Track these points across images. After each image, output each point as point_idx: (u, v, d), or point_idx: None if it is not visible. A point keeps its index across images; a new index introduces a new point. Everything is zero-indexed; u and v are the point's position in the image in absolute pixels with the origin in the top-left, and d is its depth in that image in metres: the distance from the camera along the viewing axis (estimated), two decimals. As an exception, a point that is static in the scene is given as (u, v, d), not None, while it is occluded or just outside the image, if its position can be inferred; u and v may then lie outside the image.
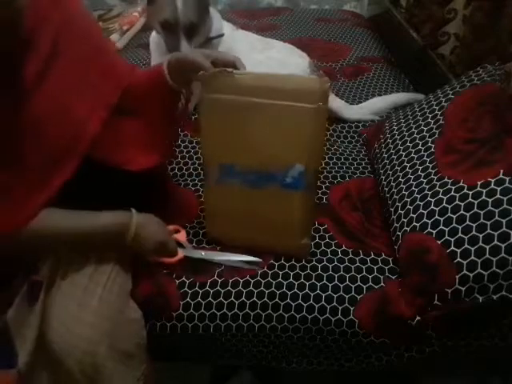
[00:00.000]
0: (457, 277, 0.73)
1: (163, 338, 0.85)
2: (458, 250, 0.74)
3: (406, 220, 0.85)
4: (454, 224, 0.76)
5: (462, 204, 0.77)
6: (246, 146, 0.78)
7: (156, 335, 0.83)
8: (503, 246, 0.70)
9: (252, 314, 0.82)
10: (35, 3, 0.65)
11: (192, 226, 0.96)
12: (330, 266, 0.86)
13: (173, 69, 0.76)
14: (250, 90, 0.74)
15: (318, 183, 1.04)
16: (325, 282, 0.84)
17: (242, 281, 0.85)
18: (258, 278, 0.85)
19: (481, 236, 0.73)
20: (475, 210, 0.75)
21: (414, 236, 0.82)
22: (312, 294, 0.82)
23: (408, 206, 0.86)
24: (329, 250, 0.89)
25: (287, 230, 0.84)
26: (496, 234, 0.71)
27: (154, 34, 1.26)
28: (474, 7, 1.18)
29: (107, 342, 0.71)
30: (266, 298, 0.83)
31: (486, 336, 0.81)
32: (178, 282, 0.86)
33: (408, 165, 0.92)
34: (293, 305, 0.82)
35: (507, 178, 0.74)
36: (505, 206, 0.72)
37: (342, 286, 0.83)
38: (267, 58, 1.28)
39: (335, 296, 0.82)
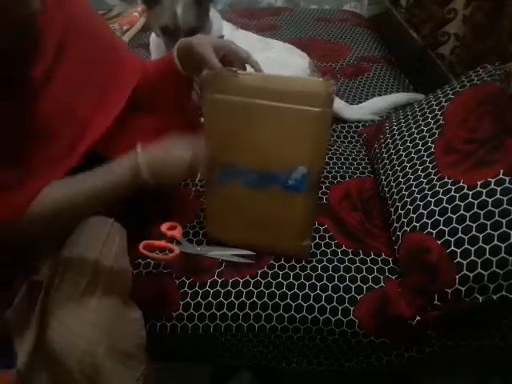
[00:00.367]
0: (457, 277, 0.73)
1: (163, 337, 0.85)
2: (458, 250, 0.74)
3: (406, 220, 0.85)
4: (454, 224, 0.76)
5: (462, 204, 0.77)
6: (249, 147, 0.78)
7: (156, 335, 0.83)
8: (503, 246, 0.70)
9: (252, 314, 0.82)
10: (42, 5, 0.66)
11: (192, 225, 0.96)
12: (330, 266, 0.86)
13: (183, 55, 0.76)
14: (254, 92, 0.74)
15: (318, 183, 1.05)
16: (325, 282, 0.84)
17: (241, 281, 0.85)
18: (258, 278, 0.85)
19: (481, 236, 0.73)
20: (475, 209, 0.75)
21: (414, 236, 0.82)
22: (312, 294, 0.82)
23: (408, 206, 0.86)
24: (329, 250, 0.89)
25: (288, 231, 0.84)
26: (496, 234, 0.71)
27: (153, 34, 1.26)
28: (474, 7, 1.18)
29: (107, 342, 0.71)
30: (265, 298, 0.83)
31: (486, 336, 0.81)
32: (177, 281, 0.86)
33: (408, 165, 0.92)
34: (293, 305, 0.82)
35: (507, 178, 0.74)
36: (505, 205, 0.72)
37: (341, 285, 0.83)
38: (267, 58, 1.28)
39: (335, 296, 0.82)
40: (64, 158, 0.73)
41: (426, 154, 0.90)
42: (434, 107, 0.97)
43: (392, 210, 0.91)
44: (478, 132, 0.85)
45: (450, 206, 0.78)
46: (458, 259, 0.73)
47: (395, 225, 0.88)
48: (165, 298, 0.84)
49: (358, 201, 1.01)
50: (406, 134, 0.99)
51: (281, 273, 0.85)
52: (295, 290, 0.83)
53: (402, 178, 0.92)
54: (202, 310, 0.83)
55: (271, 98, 0.73)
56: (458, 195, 0.78)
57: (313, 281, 0.84)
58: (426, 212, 0.82)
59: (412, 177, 0.89)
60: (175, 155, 0.72)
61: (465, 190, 0.78)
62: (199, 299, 0.83)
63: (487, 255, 0.71)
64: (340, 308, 0.81)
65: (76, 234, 0.78)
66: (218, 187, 0.84)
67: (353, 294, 0.82)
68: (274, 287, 0.83)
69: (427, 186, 0.85)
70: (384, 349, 0.83)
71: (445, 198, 0.80)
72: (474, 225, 0.74)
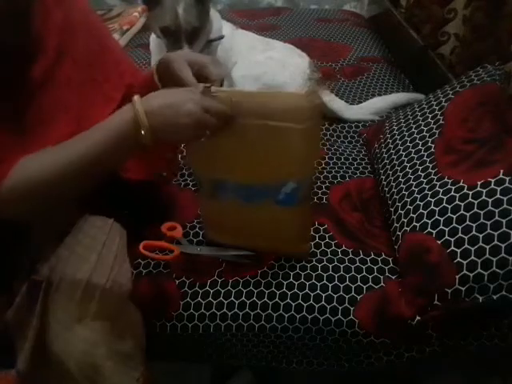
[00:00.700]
0: (457, 277, 0.73)
1: (163, 337, 0.85)
2: (458, 250, 0.74)
3: (406, 220, 0.85)
4: (454, 224, 0.76)
5: (462, 204, 0.77)
6: (236, 164, 0.75)
7: (156, 335, 0.83)
8: (503, 246, 0.70)
9: (252, 313, 0.82)
10: (40, 2, 0.66)
11: (192, 225, 0.96)
12: (330, 266, 0.86)
13: (162, 71, 0.76)
14: (237, 110, 0.69)
15: (318, 183, 1.05)
16: (325, 282, 0.84)
17: (242, 281, 0.85)
18: (258, 277, 0.85)
19: (481, 236, 0.72)
20: (475, 209, 0.75)
21: (414, 236, 0.82)
22: (312, 294, 0.82)
23: (408, 206, 0.86)
24: (329, 250, 0.89)
25: (285, 239, 0.85)
26: (496, 234, 0.71)
27: (154, 34, 1.26)
28: (474, 7, 1.18)
29: (107, 343, 0.71)
30: (266, 298, 0.83)
31: (486, 336, 0.81)
32: (177, 281, 0.86)
33: (408, 165, 0.92)
34: (293, 305, 0.82)
35: (507, 178, 0.74)
36: (505, 205, 0.72)
37: (342, 286, 0.83)
38: (267, 58, 1.28)
39: (335, 296, 0.82)
40: None
41: (425, 154, 0.90)
42: (434, 107, 0.97)
43: (392, 210, 0.91)
44: (478, 132, 0.85)
45: (450, 206, 0.78)
46: (458, 259, 0.73)
47: (395, 225, 0.88)
48: (165, 298, 0.84)
49: (358, 201, 1.01)
50: (406, 134, 0.99)
51: (281, 273, 0.85)
52: (295, 289, 0.83)
53: (402, 178, 0.92)
54: (202, 310, 0.83)
55: (252, 115, 0.69)
56: (458, 195, 0.78)
57: (313, 281, 0.84)
58: (426, 212, 0.82)
59: (412, 177, 0.89)
60: (181, 108, 0.62)
61: (465, 190, 0.78)
62: (199, 299, 0.83)
63: (487, 255, 0.71)
64: (340, 308, 0.81)
65: (75, 234, 0.78)
66: (210, 201, 0.84)
67: (353, 294, 0.82)
68: (274, 287, 0.83)
69: (427, 186, 0.85)
70: (384, 349, 0.83)
71: (445, 197, 0.80)
72: (474, 225, 0.74)
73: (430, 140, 0.92)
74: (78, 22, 0.75)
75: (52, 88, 0.69)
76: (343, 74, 1.51)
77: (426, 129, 0.95)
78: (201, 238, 0.93)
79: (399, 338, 0.81)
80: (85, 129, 0.68)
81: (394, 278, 0.84)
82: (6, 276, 0.77)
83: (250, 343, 0.85)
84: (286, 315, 0.81)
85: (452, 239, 0.75)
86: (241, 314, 0.82)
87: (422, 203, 0.83)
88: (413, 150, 0.94)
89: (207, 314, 0.83)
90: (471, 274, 0.72)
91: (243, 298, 0.83)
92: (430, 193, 0.83)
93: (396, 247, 0.86)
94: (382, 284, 0.83)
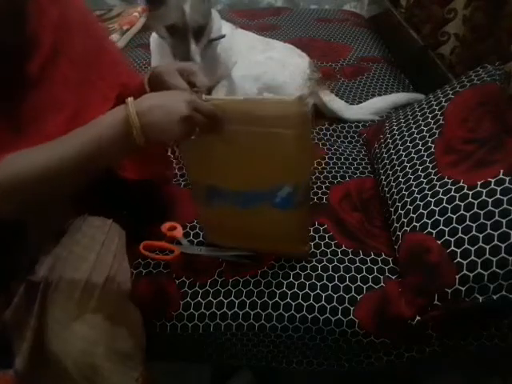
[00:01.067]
0: (457, 277, 0.73)
1: (163, 337, 0.85)
2: (458, 250, 0.74)
3: (405, 220, 0.85)
4: (454, 224, 0.76)
5: (462, 204, 0.77)
6: (230, 171, 0.75)
7: (156, 335, 0.83)
8: (503, 246, 0.70)
9: (252, 313, 0.82)
10: (35, 0, 0.66)
11: (192, 225, 0.96)
12: (330, 265, 0.86)
13: (154, 86, 0.76)
14: (228, 118, 0.68)
15: (318, 183, 1.05)
16: (325, 281, 0.84)
17: (242, 280, 0.85)
18: (258, 277, 0.85)
19: (481, 236, 0.72)
20: (475, 209, 0.75)
21: (414, 236, 0.82)
22: (312, 294, 0.82)
23: (408, 206, 0.86)
24: (329, 250, 0.89)
25: (285, 241, 0.84)
26: (496, 234, 0.71)
27: (154, 34, 1.26)
28: (474, 7, 1.18)
29: (106, 343, 0.71)
30: (266, 298, 0.83)
31: (486, 336, 0.81)
32: (178, 281, 0.86)
33: (408, 165, 0.92)
34: (293, 304, 0.82)
35: (507, 178, 0.74)
36: (505, 205, 0.72)
37: (342, 285, 0.83)
38: (267, 58, 1.28)
39: (335, 296, 0.82)
40: None
41: (425, 154, 0.90)
42: (434, 107, 0.97)
43: (392, 210, 0.91)
44: (478, 132, 0.85)
45: (450, 206, 0.78)
46: (458, 259, 0.73)
47: (395, 225, 0.88)
48: (165, 298, 0.84)
49: (358, 201, 1.01)
50: (406, 134, 0.99)
51: (281, 273, 0.85)
52: (295, 289, 0.83)
53: (402, 178, 0.92)
54: (202, 310, 0.83)
55: (245, 123, 0.69)
56: (457, 195, 0.78)
57: (313, 280, 0.84)
58: (426, 212, 0.82)
59: (412, 177, 0.89)
60: (171, 105, 0.63)
61: (465, 190, 0.78)
62: (199, 299, 0.83)
63: (487, 255, 0.71)
64: (340, 308, 0.80)
65: (74, 234, 0.78)
66: (207, 207, 0.83)
67: (353, 293, 0.82)
68: (274, 287, 0.83)
69: (427, 186, 0.85)
70: (384, 349, 0.83)
71: (445, 197, 0.80)
72: (474, 225, 0.74)
73: (430, 140, 0.92)
74: (75, 21, 0.75)
75: (47, 86, 0.69)
76: (343, 74, 1.51)
77: (426, 129, 0.95)
78: (201, 238, 0.93)
79: (399, 338, 0.81)
80: (79, 125, 0.66)
81: (393, 278, 0.84)
82: (3, 276, 0.77)
83: (250, 343, 0.85)
84: (286, 315, 0.81)
85: (452, 239, 0.75)
86: (241, 313, 0.82)
87: (422, 203, 0.83)
88: (413, 150, 0.94)
89: (207, 313, 0.83)
90: (471, 274, 0.72)
91: (243, 297, 0.83)
92: (430, 193, 0.83)
93: (396, 247, 0.86)
94: (382, 284, 0.83)
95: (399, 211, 0.88)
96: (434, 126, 0.93)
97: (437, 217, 0.79)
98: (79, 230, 0.79)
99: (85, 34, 0.77)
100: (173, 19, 1.08)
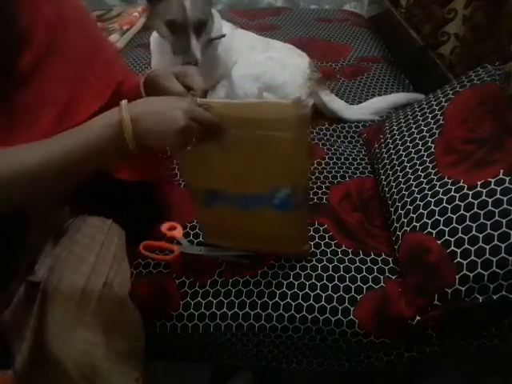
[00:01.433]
0: (457, 277, 0.73)
1: (163, 337, 0.85)
2: (458, 250, 0.74)
3: (405, 220, 0.85)
4: (454, 224, 0.76)
5: (462, 204, 0.77)
6: (228, 174, 0.75)
7: (156, 335, 0.83)
8: (503, 246, 0.70)
9: (252, 313, 0.82)
10: None
11: (192, 225, 0.96)
12: (330, 266, 0.86)
13: (150, 89, 0.76)
14: (223, 120, 0.68)
15: (318, 183, 1.05)
16: (325, 281, 0.84)
17: (242, 280, 0.85)
18: (258, 277, 0.85)
19: (481, 236, 0.72)
20: (475, 209, 0.75)
21: (414, 236, 0.82)
22: (312, 294, 0.82)
23: (408, 206, 0.86)
24: (329, 250, 0.89)
25: (285, 241, 0.84)
26: (496, 234, 0.71)
27: (154, 33, 1.26)
28: (474, 7, 1.18)
29: (105, 343, 0.71)
30: (266, 298, 0.83)
31: (486, 336, 0.81)
32: (177, 281, 0.86)
33: (408, 165, 0.92)
34: (293, 304, 0.82)
35: (507, 178, 0.74)
36: (505, 205, 0.72)
37: (341, 285, 0.83)
38: (267, 58, 1.28)
39: (335, 296, 0.82)
40: None
41: (425, 154, 0.90)
42: (434, 107, 0.97)
43: (392, 210, 0.91)
44: (478, 132, 0.85)
45: (450, 206, 0.78)
46: (458, 259, 0.73)
47: (395, 225, 0.88)
48: (165, 298, 0.84)
49: (358, 201, 1.01)
50: (406, 134, 0.99)
51: (281, 273, 0.85)
52: (295, 289, 0.83)
53: (402, 178, 0.92)
54: (202, 310, 0.83)
55: (242, 126, 0.69)
56: (457, 195, 0.78)
57: (313, 281, 0.84)
58: (426, 212, 0.82)
59: (412, 177, 0.89)
60: (168, 114, 0.61)
61: (465, 190, 0.78)
62: (199, 299, 0.83)
63: (487, 255, 0.71)
64: (340, 308, 0.80)
65: (73, 234, 0.78)
66: (205, 209, 0.83)
67: (353, 293, 0.82)
68: (274, 287, 0.83)
69: (427, 186, 0.85)
70: (384, 349, 0.83)
71: (445, 198, 0.80)
72: (474, 225, 0.74)
73: (430, 140, 0.91)
74: (71, 19, 0.74)
75: (40, 83, 0.68)
76: (343, 74, 1.51)
77: (426, 129, 0.95)
78: (201, 238, 0.93)
79: (399, 338, 0.81)
80: (71, 123, 0.65)
81: (394, 278, 0.84)
82: (3, 276, 0.77)
83: (250, 343, 0.85)
84: (286, 315, 0.81)
85: (452, 239, 0.75)
86: (241, 313, 0.82)
87: (422, 203, 0.83)
88: (413, 150, 0.94)
89: (207, 313, 0.83)
90: (471, 274, 0.72)
91: (243, 297, 0.83)
92: (429, 193, 0.83)
93: (396, 247, 0.86)
94: (382, 284, 0.83)
95: (399, 211, 0.88)
96: (434, 126, 0.93)
97: (437, 217, 0.79)
98: (79, 230, 0.79)
99: (81, 32, 0.76)
100: (173, 14, 1.08)
